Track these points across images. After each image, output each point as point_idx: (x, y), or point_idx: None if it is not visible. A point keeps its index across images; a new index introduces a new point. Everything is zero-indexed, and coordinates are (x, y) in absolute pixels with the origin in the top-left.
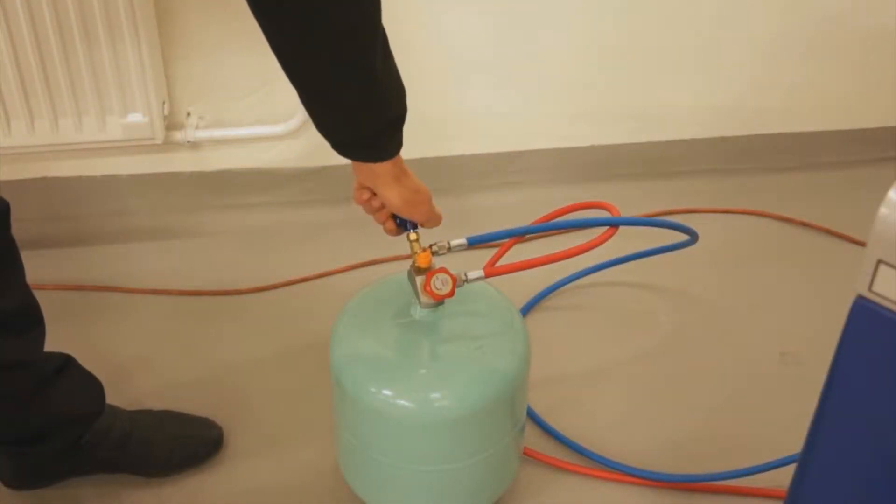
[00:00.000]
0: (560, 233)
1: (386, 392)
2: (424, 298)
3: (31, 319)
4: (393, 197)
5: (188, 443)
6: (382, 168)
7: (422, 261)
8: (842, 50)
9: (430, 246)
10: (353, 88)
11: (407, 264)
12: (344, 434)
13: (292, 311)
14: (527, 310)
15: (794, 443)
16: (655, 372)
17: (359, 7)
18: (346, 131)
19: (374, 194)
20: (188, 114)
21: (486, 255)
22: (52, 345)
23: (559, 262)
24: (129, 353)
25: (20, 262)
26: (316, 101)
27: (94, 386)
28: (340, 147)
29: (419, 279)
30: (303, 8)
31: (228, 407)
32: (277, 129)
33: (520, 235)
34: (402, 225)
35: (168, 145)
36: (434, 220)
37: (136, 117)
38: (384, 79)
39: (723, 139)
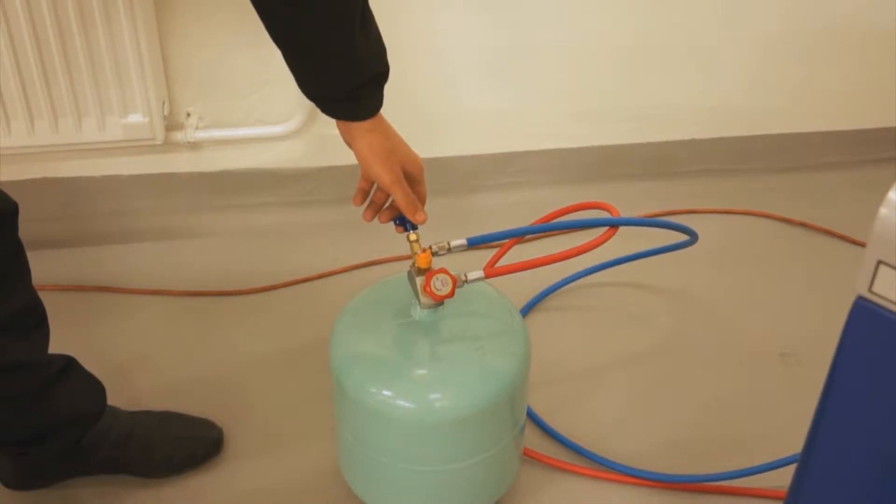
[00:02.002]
0: (560, 233)
1: (386, 392)
2: (424, 299)
3: (35, 321)
4: (363, 147)
5: (188, 443)
6: (359, 128)
7: (422, 261)
8: (842, 50)
9: (430, 246)
10: (333, 46)
11: (407, 265)
12: (344, 434)
13: (292, 311)
14: (527, 310)
15: (794, 443)
16: (655, 372)
17: None
18: (326, 88)
19: (377, 193)
20: (188, 114)
21: (486, 255)
22: (52, 345)
23: (559, 263)
24: (129, 353)
25: (27, 263)
26: (297, 59)
27: (95, 387)
28: (320, 102)
29: (419, 280)
30: None
31: (228, 407)
32: (277, 129)
33: (520, 236)
34: (403, 225)
35: (168, 145)
36: (410, 199)
37: (136, 117)
38: (364, 36)
39: (723, 139)
